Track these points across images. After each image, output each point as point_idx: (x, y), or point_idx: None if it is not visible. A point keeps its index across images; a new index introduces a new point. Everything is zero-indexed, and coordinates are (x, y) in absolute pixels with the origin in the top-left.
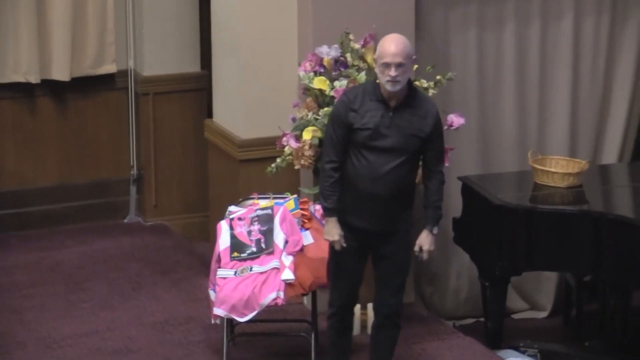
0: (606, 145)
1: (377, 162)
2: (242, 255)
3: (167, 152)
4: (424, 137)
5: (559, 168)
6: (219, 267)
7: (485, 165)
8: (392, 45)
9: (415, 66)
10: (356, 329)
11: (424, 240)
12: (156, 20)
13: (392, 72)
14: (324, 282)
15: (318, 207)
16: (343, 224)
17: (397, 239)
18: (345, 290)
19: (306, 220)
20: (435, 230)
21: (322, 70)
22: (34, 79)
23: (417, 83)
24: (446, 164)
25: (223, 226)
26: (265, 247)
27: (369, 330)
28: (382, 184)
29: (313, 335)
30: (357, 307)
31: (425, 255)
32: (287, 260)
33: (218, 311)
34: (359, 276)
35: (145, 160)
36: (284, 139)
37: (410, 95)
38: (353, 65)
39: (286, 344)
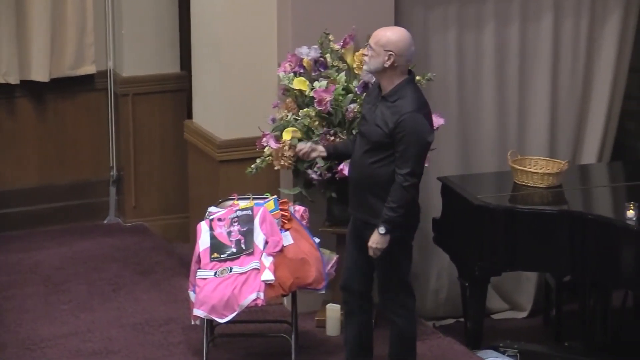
0: (585, 146)
1: (357, 147)
2: (222, 256)
3: (147, 153)
4: (386, 132)
5: (538, 168)
6: (199, 268)
7: (465, 165)
8: (377, 30)
9: None
10: (336, 330)
11: (371, 238)
12: (135, 21)
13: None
14: (304, 282)
15: (298, 207)
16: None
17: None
18: (346, 271)
19: (286, 221)
20: (382, 230)
21: (301, 70)
22: (13, 79)
23: None
24: (426, 165)
25: (203, 227)
26: (245, 247)
27: None
28: (353, 167)
29: (293, 336)
30: (337, 307)
31: (370, 252)
32: (267, 261)
33: (198, 312)
34: (354, 260)
35: (125, 161)
36: (264, 139)
37: (397, 91)
38: (333, 66)
39: (266, 344)
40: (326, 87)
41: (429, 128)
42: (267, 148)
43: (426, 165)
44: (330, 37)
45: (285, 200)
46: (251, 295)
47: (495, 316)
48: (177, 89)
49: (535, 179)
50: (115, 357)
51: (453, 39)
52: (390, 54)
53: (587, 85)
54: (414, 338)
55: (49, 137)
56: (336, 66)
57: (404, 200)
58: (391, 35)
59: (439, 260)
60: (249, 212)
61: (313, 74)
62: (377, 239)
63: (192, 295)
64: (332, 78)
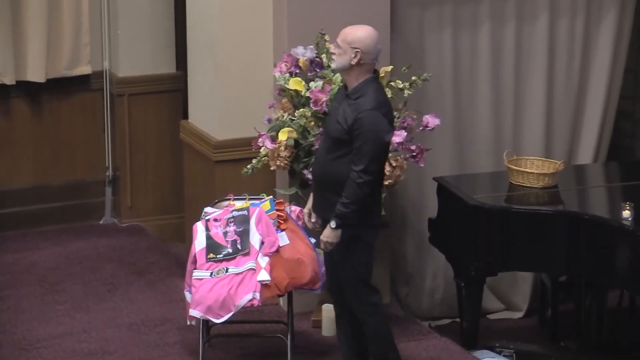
0: (581, 146)
1: (320, 145)
2: (218, 256)
3: (143, 153)
4: (345, 129)
5: (534, 168)
6: (195, 269)
7: (461, 165)
8: (344, 28)
9: (390, 67)
10: (331, 330)
11: (323, 231)
12: (131, 21)
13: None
14: (300, 282)
15: (294, 208)
16: None
17: (345, 233)
18: (328, 274)
19: (282, 222)
20: (333, 224)
21: (297, 71)
22: (9, 80)
23: (392, 84)
24: (421, 165)
25: (199, 227)
26: (241, 248)
27: None
28: (315, 164)
29: (289, 336)
30: (333, 308)
31: (321, 246)
32: (263, 261)
33: (194, 312)
34: (331, 261)
35: (121, 161)
36: (260, 140)
37: (360, 89)
38: (329, 66)
39: (262, 345)
40: (322, 88)
41: (386, 127)
42: (263, 148)
43: (421, 165)
44: (326, 37)
45: (282, 200)
46: (247, 296)
47: (491, 316)
48: (173, 89)
49: (531, 179)
50: (111, 357)
51: (448, 39)
52: (357, 52)
53: (582, 85)
54: (389, 334)
55: (45, 137)
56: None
57: (357, 197)
58: (358, 33)
59: (435, 260)
60: (245, 212)
61: (309, 74)
62: (327, 233)
63: (188, 295)
64: (328, 78)
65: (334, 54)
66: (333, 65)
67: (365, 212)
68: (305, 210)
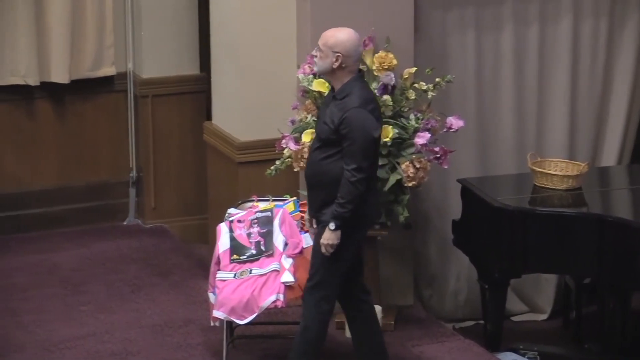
0: (605, 148)
1: (311, 146)
2: (241, 257)
3: (166, 154)
4: (332, 128)
5: (558, 170)
6: (219, 270)
7: (484, 167)
8: (326, 31)
9: (414, 68)
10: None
11: (323, 234)
12: (155, 23)
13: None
14: None
15: None
16: None
17: (318, 230)
18: None
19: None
20: (332, 226)
21: None
22: (33, 81)
23: (416, 85)
24: (445, 166)
25: (223, 228)
26: (265, 249)
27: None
28: (307, 166)
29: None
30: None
31: (322, 249)
32: (287, 262)
33: (217, 314)
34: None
35: (144, 162)
36: (283, 141)
37: (345, 89)
38: None
39: (286, 346)
40: None
41: (374, 123)
42: (286, 150)
43: (445, 167)
44: None
45: (305, 202)
46: (271, 297)
47: (514, 318)
48: (197, 91)
49: (555, 181)
50: (134, 358)
51: (472, 40)
52: (338, 55)
53: (606, 87)
54: (315, 339)
55: (69, 138)
56: None
57: (353, 196)
58: (339, 36)
59: (459, 262)
60: (269, 213)
61: None
62: (328, 236)
63: (211, 296)
64: None
65: (315, 57)
66: (315, 69)
67: (359, 211)
68: (306, 217)
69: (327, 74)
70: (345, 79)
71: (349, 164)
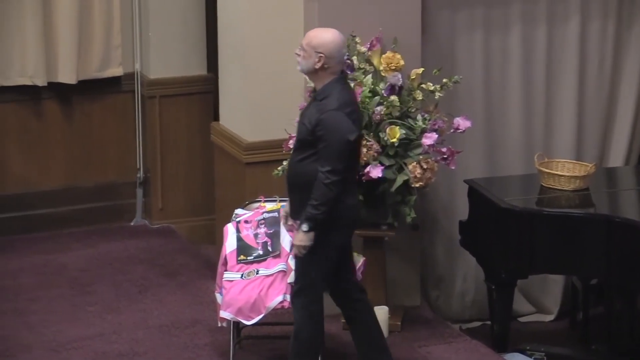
0: (613, 148)
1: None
2: (248, 258)
3: (174, 155)
4: (309, 129)
5: (565, 171)
6: (226, 270)
7: (492, 168)
8: (310, 31)
9: (422, 69)
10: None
11: (295, 235)
12: (162, 23)
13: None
14: None
15: None
16: None
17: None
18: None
19: None
20: (305, 228)
21: None
22: (41, 81)
23: (423, 86)
24: (452, 167)
25: (230, 229)
26: (272, 250)
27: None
28: (287, 168)
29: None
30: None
31: (294, 250)
32: (294, 263)
33: (224, 314)
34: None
35: (152, 163)
36: (291, 141)
37: (324, 90)
38: (359, 68)
39: None
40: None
41: (350, 126)
42: None
43: (452, 167)
44: (357, 39)
45: None
46: (278, 298)
47: (522, 319)
48: (204, 91)
49: (562, 181)
50: (141, 359)
51: (479, 41)
52: (321, 56)
53: (614, 87)
54: (309, 341)
55: (76, 139)
56: (363, 68)
57: (326, 198)
58: (322, 37)
59: (465, 263)
60: (276, 214)
61: None
62: (300, 237)
63: (218, 297)
64: (358, 80)
65: (298, 55)
66: (298, 68)
67: (335, 214)
68: (282, 213)
69: (309, 74)
70: (326, 80)
71: (323, 165)
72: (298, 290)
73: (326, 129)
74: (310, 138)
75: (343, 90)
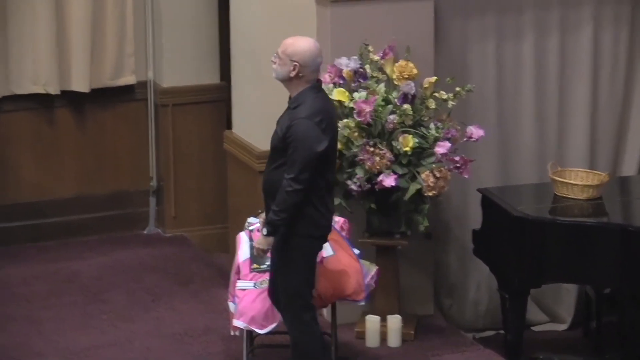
0: (626, 157)
1: None
2: (261, 267)
3: (187, 163)
4: (280, 136)
5: (578, 180)
6: (239, 279)
7: (505, 177)
8: (286, 39)
9: (435, 78)
10: (375, 341)
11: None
12: (175, 32)
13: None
14: (343, 294)
15: (338, 219)
16: None
17: (276, 240)
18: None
19: None
20: (264, 231)
21: (341, 82)
22: (53, 90)
23: (436, 95)
24: (466, 176)
25: (243, 238)
26: None
27: (389, 343)
28: (263, 174)
29: (333, 347)
30: (377, 319)
31: (254, 252)
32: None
33: (238, 323)
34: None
35: (165, 171)
36: None
37: (298, 98)
38: (372, 77)
39: None
40: (366, 99)
41: (319, 136)
42: None
43: (466, 176)
44: (370, 48)
45: None
46: None
47: (535, 328)
48: (217, 100)
49: (576, 190)
50: None
51: (492, 49)
52: (295, 65)
53: (627, 96)
54: (310, 352)
55: (89, 147)
56: (376, 77)
57: (286, 205)
58: (298, 45)
59: (479, 271)
60: None
61: (353, 85)
62: (259, 240)
63: (231, 306)
64: (371, 89)
65: (274, 62)
66: (274, 75)
67: (303, 222)
68: (260, 220)
69: (284, 81)
70: (300, 88)
71: (288, 172)
72: (287, 302)
73: (294, 136)
74: (281, 145)
75: (316, 99)
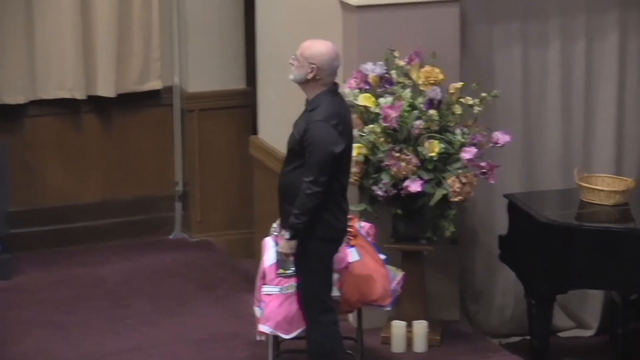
0: None
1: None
2: (287, 272)
3: (212, 168)
4: (297, 139)
5: (605, 186)
6: (264, 284)
7: (531, 182)
8: (305, 41)
9: (461, 83)
10: (401, 347)
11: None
12: (201, 37)
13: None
14: (370, 299)
15: (364, 224)
16: None
17: (298, 245)
18: None
19: (353, 237)
20: (287, 235)
21: (367, 87)
22: (80, 95)
23: (462, 100)
24: (492, 182)
25: (269, 242)
26: None
27: (415, 348)
28: (279, 176)
29: (359, 353)
30: (403, 324)
31: (277, 257)
32: (333, 277)
33: (263, 328)
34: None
35: (190, 176)
36: None
37: (314, 101)
38: (398, 83)
39: None
40: (392, 104)
41: (336, 138)
42: None
43: (492, 182)
44: (396, 53)
45: (352, 216)
46: None
47: (561, 334)
48: (243, 105)
49: (602, 196)
50: None
51: (518, 55)
52: (313, 67)
53: None
54: (331, 354)
55: (115, 152)
56: (402, 82)
57: (306, 208)
58: (316, 48)
59: (505, 277)
60: None
61: (379, 90)
62: (283, 244)
63: (257, 311)
64: (397, 94)
65: (292, 64)
66: (291, 77)
67: (320, 225)
68: (275, 224)
69: (301, 83)
70: (317, 91)
71: (307, 175)
72: (306, 307)
73: (311, 139)
74: (298, 148)
75: (333, 102)
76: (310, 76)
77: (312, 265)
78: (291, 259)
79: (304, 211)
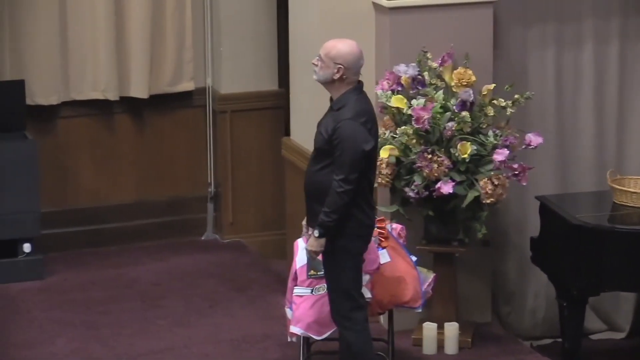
0: None
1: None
2: (319, 273)
3: (244, 169)
4: (326, 138)
5: (638, 188)
6: (296, 285)
7: (563, 184)
8: (328, 41)
9: (493, 85)
10: (432, 349)
11: (309, 241)
12: (234, 38)
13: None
14: (401, 301)
15: (395, 225)
16: None
17: (327, 244)
18: None
19: (383, 239)
20: (316, 233)
21: (399, 88)
22: (112, 96)
23: (495, 102)
24: (524, 183)
25: (300, 244)
26: None
27: (446, 350)
28: (305, 177)
29: (390, 354)
30: (434, 326)
31: (306, 254)
32: (364, 279)
33: (295, 329)
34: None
35: (223, 177)
36: None
37: (341, 100)
38: (431, 84)
39: None
40: (424, 105)
41: (365, 136)
42: None
43: (524, 184)
44: (428, 55)
45: (383, 217)
46: None
47: (593, 336)
48: (275, 106)
49: (635, 198)
50: None
51: (551, 57)
52: (339, 67)
53: None
54: (364, 353)
55: (147, 153)
56: (434, 84)
57: (337, 206)
58: (341, 48)
59: (537, 279)
60: None
61: (411, 91)
62: (311, 242)
63: (288, 312)
64: (430, 96)
65: (316, 65)
66: (315, 77)
67: (349, 223)
68: (303, 222)
69: (326, 83)
70: (343, 90)
71: (337, 174)
72: (336, 305)
73: (341, 137)
74: (327, 147)
75: (359, 101)
76: (337, 76)
77: (343, 262)
78: (320, 258)
79: (335, 209)
